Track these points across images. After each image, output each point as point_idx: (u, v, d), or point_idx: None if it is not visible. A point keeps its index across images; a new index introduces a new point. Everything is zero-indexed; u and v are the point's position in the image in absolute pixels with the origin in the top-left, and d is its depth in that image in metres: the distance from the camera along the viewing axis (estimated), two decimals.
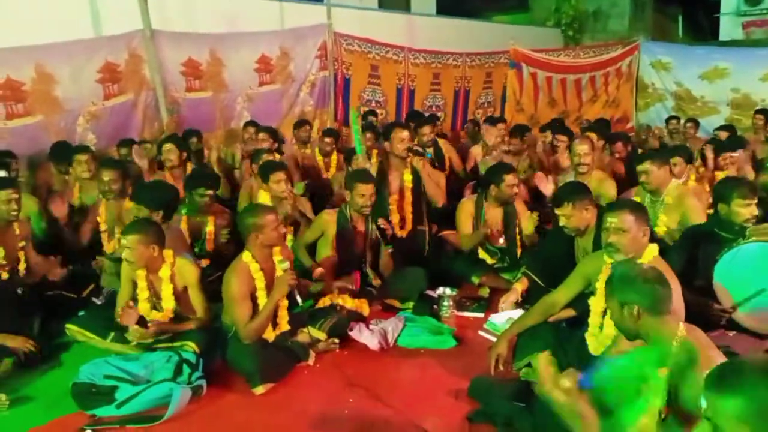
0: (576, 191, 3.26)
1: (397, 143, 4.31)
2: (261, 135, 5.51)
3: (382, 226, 3.87)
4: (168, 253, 3.14)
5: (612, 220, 2.63)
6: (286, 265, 3.08)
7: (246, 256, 3.08)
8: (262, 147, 5.07)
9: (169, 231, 3.39)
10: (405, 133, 4.32)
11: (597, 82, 8.97)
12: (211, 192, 4.05)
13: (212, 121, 6.42)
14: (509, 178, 4.14)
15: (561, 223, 3.24)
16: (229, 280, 3.03)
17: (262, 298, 3.08)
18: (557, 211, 3.25)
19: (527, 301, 3.50)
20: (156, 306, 3.18)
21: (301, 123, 6.36)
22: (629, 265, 2.20)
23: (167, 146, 4.81)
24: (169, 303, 3.15)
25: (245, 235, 3.10)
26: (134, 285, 3.18)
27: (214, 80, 6.38)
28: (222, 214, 4.16)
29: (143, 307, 3.17)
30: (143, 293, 3.16)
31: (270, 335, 3.11)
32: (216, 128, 6.47)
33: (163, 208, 3.62)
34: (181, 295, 3.17)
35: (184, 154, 4.89)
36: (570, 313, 2.89)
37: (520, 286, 3.54)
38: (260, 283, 3.07)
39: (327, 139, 5.96)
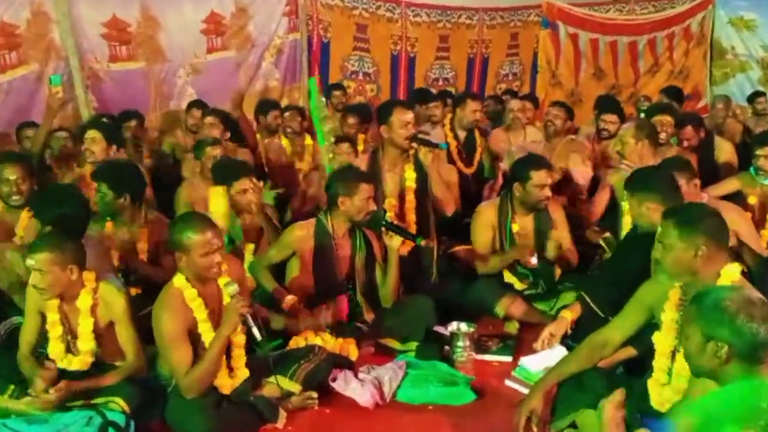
0: (646, 180, 3.36)
1: (399, 128, 4.31)
2: (208, 119, 5.54)
3: (395, 222, 3.90)
4: (89, 276, 3.14)
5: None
6: (234, 288, 3.08)
7: (178, 280, 3.09)
8: (208, 137, 5.09)
9: (88, 245, 3.39)
10: (409, 116, 4.34)
11: (658, 46, 9.07)
12: (127, 194, 4.02)
13: (145, 101, 6.45)
14: (539, 176, 4.17)
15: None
16: (159, 315, 3.04)
17: (206, 335, 3.09)
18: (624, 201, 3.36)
19: (573, 337, 3.51)
20: (71, 347, 3.17)
21: (267, 105, 6.39)
22: (732, 290, 2.19)
23: (91, 134, 4.81)
24: (87, 343, 3.14)
25: (174, 254, 3.13)
26: (43, 318, 3.18)
27: (148, 46, 6.41)
28: (159, 226, 4.17)
29: (54, 349, 3.16)
30: (55, 330, 3.15)
31: (225, 386, 3.12)
32: (150, 110, 6.49)
33: (66, 222, 3.58)
34: (104, 333, 3.17)
35: (113, 147, 4.90)
36: (629, 353, 2.90)
37: (570, 315, 3.55)
38: (200, 314, 3.08)
39: (288, 114, 6.05)
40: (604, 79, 8.79)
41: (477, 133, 6.02)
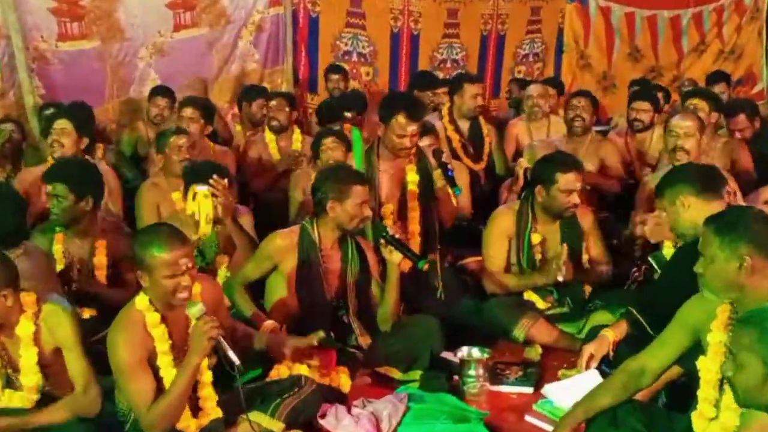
0: (678, 177, 3.38)
1: (396, 137, 4.34)
2: (187, 111, 5.52)
3: (396, 235, 3.89)
4: (28, 298, 3.11)
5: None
6: (198, 309, 3.04)
7: (140, 301, 3.09)
8: (170, 125, 5.08)
9: (27, 259, 3.38)
10: (411, 128, 4.35)
11: (705, 21, 9.09)
12: (90, 197, 4.03)
13: (100, 87, 6.47)
14: (566, 180, 4.18)
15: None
16: (114, 340, 3.03)
17: (167, 369, 3.08)
18: (658, 206, 3.41)
19: (611, 362, 3.49)
20: (12, 382, 3.14)
21: (253, 92, 6.40)
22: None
23: (62, 124, 4.87)
24: (31, 377, 3.11)
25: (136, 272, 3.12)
26: None
27: (103, 23, 6.44)
28: (119, 237, 4.18)
29: None
30: None
31: (189, 428, 3.10)
32: (106, 98, 6.50)
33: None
34: (51, 363, 3.14)
35: (84, 140, 4.95)
36: (674, 372, 2.89)
37: (613, 335, 3.52)
38: (161, 344, 3.07)
39: (274, 102, 5.99)
40: (641, 61, 8.81)
41: (482, 122, 6.03)
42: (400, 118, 4.33)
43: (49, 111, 5.70)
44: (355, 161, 4.61)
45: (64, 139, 4.85)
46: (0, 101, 5.93)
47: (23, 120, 6.00)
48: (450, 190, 4.32)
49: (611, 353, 3.51)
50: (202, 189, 4.04)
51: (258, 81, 7.28)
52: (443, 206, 4.55)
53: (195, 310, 3.03)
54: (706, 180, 3.41)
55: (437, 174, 4.44)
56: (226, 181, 4.10)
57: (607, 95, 7.53)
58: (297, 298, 3.92)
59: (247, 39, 7.33)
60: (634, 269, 4.47)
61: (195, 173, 4.17)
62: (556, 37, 8.92)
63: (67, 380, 3.16)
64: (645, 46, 8.82)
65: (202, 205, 4.06)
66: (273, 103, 6.06)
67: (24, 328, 3.08)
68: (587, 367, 3.45)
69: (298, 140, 6.07)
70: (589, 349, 3.50)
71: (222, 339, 3.01)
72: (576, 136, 5.66)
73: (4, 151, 5.40)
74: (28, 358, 3.09)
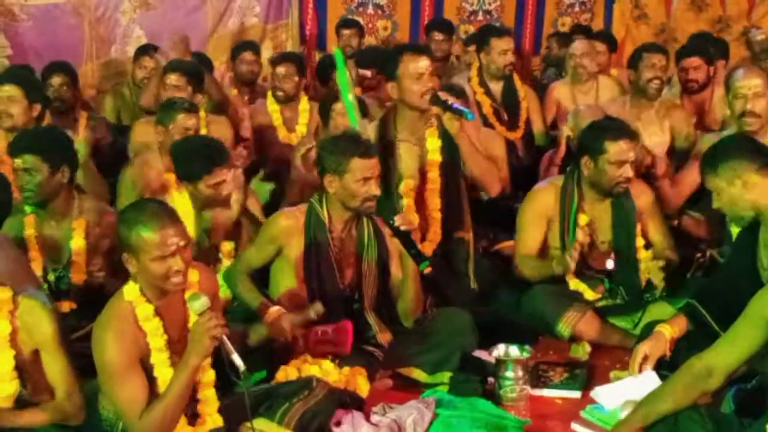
0: (728, 149, 3.34)
1: (410, 83, 4.30)
2: (172, 78, 5.53)
3: (402, 227, 3.88)
4: (2, 294, 3.11)
5: None
6: (202, 303, 3.05)
7: (129, 292, 3.10)
8: (183, 99, 5.11)
9: (0, 249, 3.41)
10: (423, 62, 4.31)
11: None
12: (66, 167, 4.05)
13: (77, 47, 6.49)
14: (617, 149, 4.15)
15: (714, 205, 3.33)
16: (101, 339, 3.04)
17: (162, 368, 3.10)
18: (707, 185, 3.35)
19: (669, 363, 3.46)
20: None
21: (237, 48, 6.42)
22: None
23: (7, 90, 4.87)
24: (7, 384, 3.12)
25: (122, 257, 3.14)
26: None
27: None
28: (100, 217, 4.20)
29: None
30: None
31: None
32: (84, 60, 6.52)
33: None
34: (28, 367, 3.17)
35: (35, 107, 4.94)
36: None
37: (671, 331, 3.49)
38: (156, 340, 3.09)
39: (281, 69, 5.98)
40: (705, 11, 8.72)
41: (517, 82, 6.00)
42: (408, 59, 4.29)
43: (5, 73, 5.69)
44: (348, 114, 4.61)
45: (12, 108, 4.82)
46: None
47: None
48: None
49: (668, 353, 3.49)
50: None
51: (259, 38, 7.31)
52: (484, 171, 4.49)
53: (198, 305, 3.04)
54: (764, 153, 3.34)
55: (446, 118, 4.33)
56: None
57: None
58: (306, 288, 3.93)
59: None
60: (698, 254, 4.47)
61: (186, 156, 4.20)
62: None
63: (45, 386, 3.18)
64: None
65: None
66: (280, 69, 6.04)
67: None
68: (641, 369, 3.43)
69: (305, 110, 6.09)
70: (642, 349, 3.47)
71: (226, 339, 3.02)
72: (648, 99, 5.53)
73: None
74: (3, 362, 3.10)
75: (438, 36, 7.35)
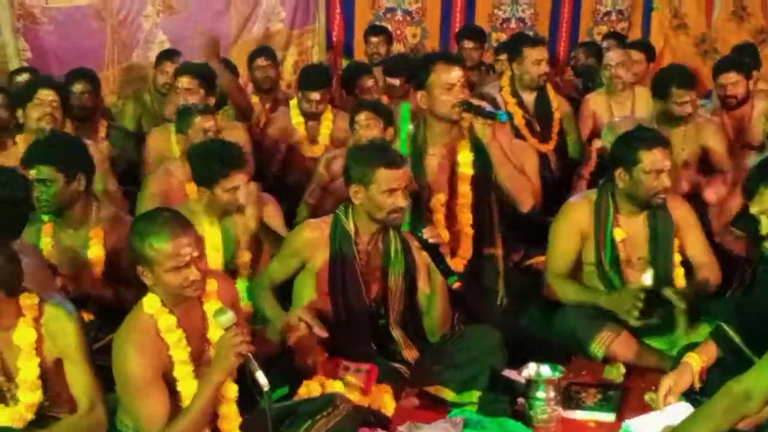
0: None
1: (440, 93, 4.31)
2: (183, 81, 5.56)
3: (431, 240, 3.87)
4: (28, 300, 3.14)
5: None
6: (229, 318, 3.06)
7: (150, 303, 3.11)
8: (195, 103, 5.13)
9: (26, 255, 3.40)
10: (455, 73, 4.32)
11: None
12: (81, 175, 4.08)
13: (98, 51, 6.53)
14: (652, 158, 4.12)
15: (763, 231, 3.28)
16: (122, 351, 3.05)
17: (184, 383, 3.11)
18: (751, 209, 3.30)
19: (703, 389, 3.45)
20: (6, 394, 3.18)
21: (252, 55, 6.44)
22: None
23: (45, 94, 4.94)
24: (31, 393, 3.14)
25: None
26: None
27: None
28: (119, 226, 4.21)
29: None
30: None
31: None
32: (105, 64, 6.55)
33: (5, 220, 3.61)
34: (51, 376, 3.18)
35: (57, 113, 4.98)
36: None
37: (699, 361, 3.46)
38: (179, 352, 3.10)
39: (313, 95, 5.93)
40: (747, 21, 8.65)
41: (551, 92, 5.98)
42: (440, 69, 4.30)
43: (22, 77, 5.78)
44: (400, 142, 4.60)
45: (57, 113, 4.93)
46: None
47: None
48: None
49: (697, 384, 3.45)
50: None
51: (284, 44, 7.34)
52: (516, 183, 4.45)
53: (224, 319, 3.04)
54: None
55: (479, 125, 4.30)
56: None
57: (707, 62, 7.40)
58: (330, 302, 3.93)
59: None
60: (740, 271, 4.42)
61: (202, 160, 4.22)
62: None
63: (66, 398, 3.20)
64: (752, 3, 8.66)
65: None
66: (314, 96, 5.93)
67: (24, 335, 3.10)
68: (665, 403, 3.40)
69: (328, 119, 6.06)
70: (667, 381, 3.44)
71: (251, 356, 3.02)
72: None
73: None
74: (28, 371, 3.12)
75: (468, 44, 7.36)
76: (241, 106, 6.15)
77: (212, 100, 5.50)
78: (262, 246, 4.36)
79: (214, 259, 4.22)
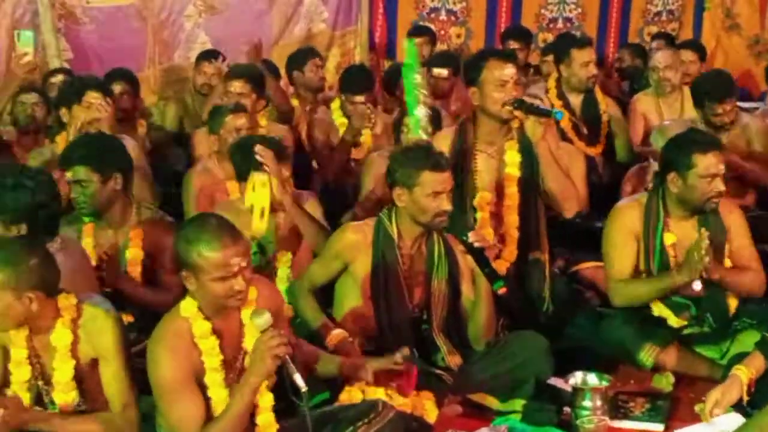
0: None
1: (492, 90, 4.30)
2: (236, 85, 5.60)
3: (476, 243, 3.85)
4: (67, 301, 3.18)
5: None
6: (265, 320, 3.06)
7: (186, 308, 3.13)
8: (227, 102, 5.17)
9: (63, 254, 3.45)
10: (508, 70, 4.32)
11: None
12: (118, 175, 4.11)
13: (139, 51, 6.59)
14: (706, 162, 4.07)
15: None
16: (156, 355, 3.07)
17: (216, 389, 3.13)
18: None
19: (752, 402, 3.43)
20: (44, 396, 3.22)
21: (298, 56, 6.47)
22: None
23: (93, 96, 5.01)
24: (67, 394, 3.18)
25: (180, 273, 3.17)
26: (6, 353, 3.21)
27: None
28: (159, 228, 4.25)
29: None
30: (21, 372, 3.18)
31: None
32: (147, 64, 6.61)
33: (28, 218, 3.64)
34: (87, 377, 3.21)
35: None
36: None
37: (747, 373, 3.46)
38: (211, 360, 3.12)
39: (357, 98, 5.96)
40: None
41: (599, 95, 5.95)
42: (493, 65, 4.30)
43: (57, 78, 5.84)
44: (407, 102, 4.58)
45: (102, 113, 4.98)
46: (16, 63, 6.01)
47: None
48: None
49: (746, 397, 3.43)
50: (260, 176, 4.07)
51: (326, 45, 7.36)
52: (562, 186, 4.43)
53: (261, 321, 3.04)
54: None
55: (529, 123, 4.29)
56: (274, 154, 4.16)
57: (760, 64, 7.33)
58: (372, 307, 3.93)
59: None
60: None
61: (244, 154, 4.24)
62: None
63: (103, 399, 3.23)
64: None
65: (257, 195, 4.10)
66: (358, 99, 5.95)
67: (60, 336, 3.13)
68: (711, 415, 3.39)
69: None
70: (714, 395, 3.43)
71: (289, 359, 3.01)
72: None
73: (27, 128, 5.53)
74: (63, 373, 3.16)
75: (514, 45, 7.35)
76: (282, 108, 6.18)
77: (263, 103, 5.54)
78: (300, 245, 4.35)
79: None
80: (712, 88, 5.39)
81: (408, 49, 4.78)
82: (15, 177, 3.67)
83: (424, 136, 4.50)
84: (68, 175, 4.10)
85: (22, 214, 3.57)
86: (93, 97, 5.00)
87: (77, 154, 4.13)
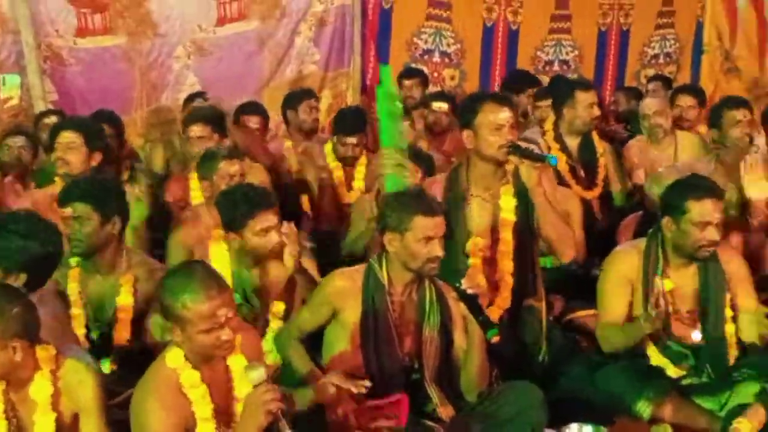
0: None
1: (488, 134, 4.32)
2: (194, 129, 5.61)
3: (469, 290, 3.87)
4: (45, 352, 3.18)
5: None
6: (259, 375, 3.07)
7: (172, 358, 3.14)
8: (220, 148, 5.21)
9: (43, 304, 3.45)
10: (504, 114, 4.34)
11: None
12: (117, 218, 4.14)
13: (127, 93, 6.61)
14: (700, 209, 4.11)
15: None
16: (143, 406, 3.08)
17: None
18: None
19: None
20: None
21: (293, 97, 6.51)
22: None
23: (68, 137, 4.99)
24: None
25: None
26: None
27: (132, 15, 6.62)
28: (151, 273, 4.25)
29: None
30: None
31: None
32: (133, 107, 6.63)
33: (31, 267, 3.67)
34: (66, 431, 3.20)
35: (95, 156, 5.05)
36: None
37: (748, 427, 3.50)
38: (202, 409, 3.12)
39: (350, 139, 6.05)
40: None
41: (595, 137, 5.99)
42: (487, 110, 4.30)
43: (50, 119, 5.87)
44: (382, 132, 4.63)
45: (70, 155, 4.94)
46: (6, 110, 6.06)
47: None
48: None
49: None
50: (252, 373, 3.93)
51: (318, 86, 7.37)
52: (558, 232, 4.43)
53: (255, 376, 3.03)
54: None
55: (524, 168, 4.28)
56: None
57: (759, 107, 7.35)
58: (362, 355, 3.93)
59: (306, 35, 7.45)
60: None
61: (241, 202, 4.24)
62: (695, 33, 8.83)
63: None
64: None
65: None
66: (351, 140, 6.07)
67: (40, 389, 3.13)
68: None
69: (362, 164, 6.17)
70: None
71: (281, 415, 3.01)
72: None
73: (12, 170, 5.56)
74: (43, 427, 3.14)
75: (530, 91, 7.28)
76: (261, 160, 6.14)
77: (227, 142, 5.55)
78: (295, 295, 4.36)
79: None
80: (729, 98, 5.55)
81: (383, 75, 4.80)
82: (28, 225, 3.68)
83: (404, 173, 4.55)
84: (67, 210, 4.10)
85: (26, 264, 3.58)
86: (63, 137, 4.96)
87: (80, 190, 4.14)
